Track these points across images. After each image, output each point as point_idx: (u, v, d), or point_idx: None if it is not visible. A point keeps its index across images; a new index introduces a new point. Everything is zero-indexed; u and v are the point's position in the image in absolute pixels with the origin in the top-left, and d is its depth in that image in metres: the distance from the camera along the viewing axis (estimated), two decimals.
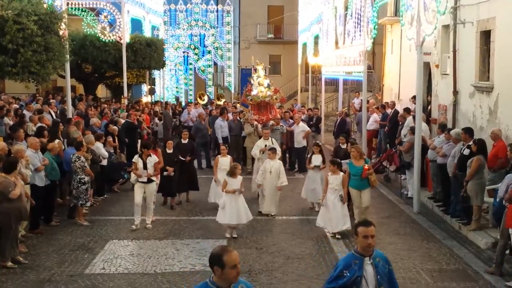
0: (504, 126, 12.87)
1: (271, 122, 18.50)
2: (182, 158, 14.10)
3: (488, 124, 13.89)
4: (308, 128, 19.04)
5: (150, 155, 12.23)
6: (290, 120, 19.47)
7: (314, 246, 11.04)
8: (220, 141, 19.13)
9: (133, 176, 12.41)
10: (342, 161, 12.40)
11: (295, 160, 18.96)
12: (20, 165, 10.46)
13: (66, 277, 9.37)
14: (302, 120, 19.54)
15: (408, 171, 15.07)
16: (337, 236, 11.40)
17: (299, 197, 14.09)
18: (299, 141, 18.52)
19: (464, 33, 15.48)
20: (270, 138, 15.23)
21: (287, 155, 19.22)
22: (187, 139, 14.73)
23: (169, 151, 13.81)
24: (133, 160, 12.37)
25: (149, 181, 12.12)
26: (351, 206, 12.26)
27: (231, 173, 11.62)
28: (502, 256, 9.41)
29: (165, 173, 13.41)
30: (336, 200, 11.47)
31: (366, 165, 11.90)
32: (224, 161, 13.16)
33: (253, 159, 16.09)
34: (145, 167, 12.04)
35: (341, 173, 11.72)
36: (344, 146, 14.06)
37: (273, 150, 13.52)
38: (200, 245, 11.03)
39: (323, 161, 13.61)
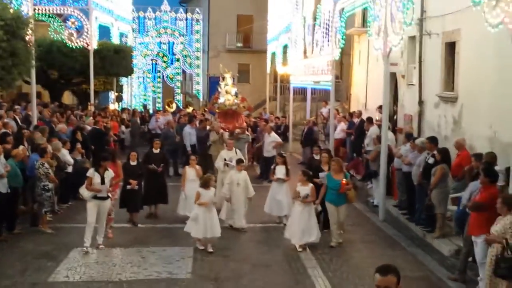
0: (468, 136, 13.12)
1: (237, 130, 18.52)
2: (154, 168, 13.45)
3: (453, 134, 14.14)
4: (280, 140, 19.06)
5: (107, 169, 11.15)
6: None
7: (281, 254, 11.04)
8: (189, 148, 19.08)
9: (86, 193, 10.98)
10: (320, 173, 12.15)
11: (264, 168, 18.91)
12: None
13: (28, 285, 9.19)
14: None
15: (374, 180, 15.22)
16: (306, 249, 11.04)
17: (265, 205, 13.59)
18: (269, 150, 18.55)
19: (430, 44, 15.78)
20: (234, 148, 14.68)
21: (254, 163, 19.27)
22: (158, 149, 14.01)
23: (133, 163, 12.98)
24: (88, 174, 11.04)
25: (106, 197, 11.12)
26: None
27: (204, 184, 11.20)
28: (465, 263, 9.56)
29: (128, 186, 12.66)
30: (304, 211, 11.14)
31: (345, 179, 11.46)
32: (192, 172, 12.87)
33: None
34: (102, 182, 10.93)
35: (310, 184, 11.35)
36: (318, 157, 13.50)
37: (240, 161, 13.07)
38: (166, 253, 10.93)
39: (287, 173, 13.15)
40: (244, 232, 12.57)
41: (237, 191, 12.62)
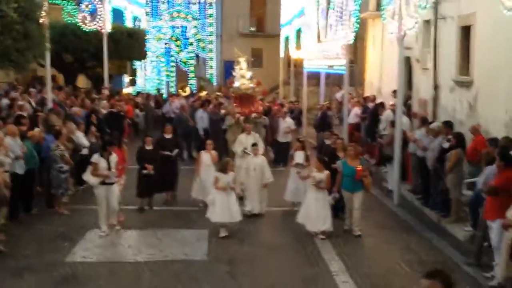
0: (483, 121, 13.04)
1: (254, 115, 18.35)
2: (168, 153, 13.21)
3: (468, 119, 14.06)
4: (294, 127, 18.72)
5: (111, 154, 11.01)
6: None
7: (295, 237, 11.07)
8: (201, 132, 19.05)
9: (92, 179, 10.90)
10: (338, 162, 11.71)
11: (278, 153, 18.76)
12: None
13: (45, 265, 9.33)
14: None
15: (389, 164, 15.18)
16: (320, 236, 10.85)
17: (281, 189, 13.42)
18: (284, 136, 18.39)
19: (445, 28, 15.63)
20: (252, 132, 14.47)
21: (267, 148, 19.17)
22: (171, 134, 13.75)
23: (148, 147, 12.83)
24: (93, 159, 10.92)
25: (113, 182, 11.00)
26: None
27: (223, 168, 11.12)
28: (480, 247, 9.55)
29: (144, 171, 12.56)
30: (319, 198, 10.95)
31: (360, 166, 11.22)
32: (207, 157, 12.70)
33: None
34: (109, 167, 10.82)
35: (326, 171, 11.10)
36: (328, 142, 13.25)
37: (255, 146, 12.93)
38: (182, 235, 11.02)
39: (306, 158, 12.84)
40: (260, 216, 12.44)
41: (253, 176, 12.48)
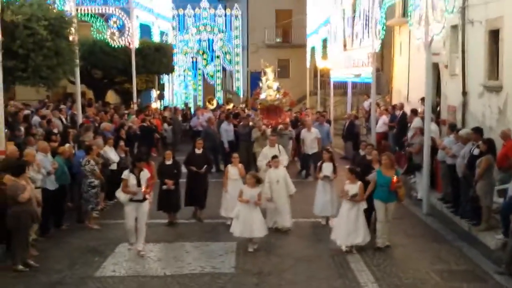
0: None
1: (280, 126, 18.07)
2: (195, 170, 12.91)
3: (498, 124, 13.84)
4: (320, 136, 18.07)
5: (142, 170, 10.83)
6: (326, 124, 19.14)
7: (323, 249, 10.99)
8: (226, 145, 18.99)
9: (123, 196, 10.68)
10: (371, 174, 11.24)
11: (308, 166, 18.27)
12: (30, 168, 10.58)
13: (76, 279, 9.45)
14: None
15: (418, 173, 15.01)
16: (353, 251, 10.53)
17: (308, 200, 13.35)
18: (313, 147, 17.70)
19: (473, 32, 15.46)
20: (276, 145, 14.16)
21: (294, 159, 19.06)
22: (201, 149, 13.36)
23: (168, 162, 12.59)
24: (123, 176, 10.76)
25: (143, 199, 10.74)
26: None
27: (248, 182, 11.00)
28: None
29: (164, 186, 12.41)
30: (353, 211, 10.57)
31: (396, 177, 10.84)
32: (234, 171, 12.42)
33: None
34: (138, 184, 10.60)
35: (359, 182, 10.75)
36: (363, 153, 12.76)
37: (276, 158, 12.59)
38: (210, 248, 11.05)
39: (334, 170, 12.60)
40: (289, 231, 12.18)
41: (277, 189, 12.13)
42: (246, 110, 24.16)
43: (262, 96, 19.39)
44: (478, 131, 12.33)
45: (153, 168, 12.13)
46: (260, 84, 19.75)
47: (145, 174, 10.78)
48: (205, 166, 13.19)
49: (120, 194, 10.82)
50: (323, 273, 9.69)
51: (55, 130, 15.35)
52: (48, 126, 15.85)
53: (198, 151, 13.29)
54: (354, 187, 10.70)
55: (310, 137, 17.86)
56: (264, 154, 13.92)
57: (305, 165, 18.50)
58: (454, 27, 16.53)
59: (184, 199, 13.03)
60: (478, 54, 15.09)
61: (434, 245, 11.16)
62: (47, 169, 11.51)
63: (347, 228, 10.57)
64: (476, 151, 11.76)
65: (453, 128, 14.04)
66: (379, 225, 11.00)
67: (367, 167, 11.77)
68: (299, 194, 12.92)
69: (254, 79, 28.34)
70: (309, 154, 17.93)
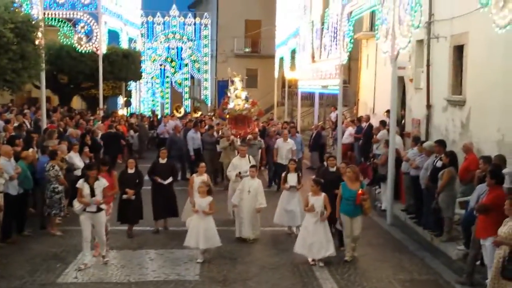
0: (476, 139, 13.09)
1: (249, 136, 17.90)
2: (160, 181, 12.64)
3: (460, 138, 14.12)
4: (295, 147, 17.80)
5: (98, 179, 10.28)
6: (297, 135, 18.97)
7: (288, 257, 11.01)
8: (191, 153, 18.81)
9: (77, 205, 10.19)
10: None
11: (276, 176, 17.96)
12: None
13: (38, 286, 9.30)
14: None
15: (382, 184, 15.21)
16: (319, 264, 10.36)
17: (274, 209, 12.90)
18: (288, 158, 16.64)
19: (438, 47, 15.77)
20: (247, 155, 13.94)
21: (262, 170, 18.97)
22: (166, 159, 13.04)
23: (131, 171, 12.15)
24: (77, 185, 10.25)
25: (98, 210, 10.19)
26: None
27: (199, 191, 10.74)
28: (473, 266, 9.53)
29: (124, 196, 12.03)
30: (318, 223, 10.39)
31: (361, 189, 10.71)
32: (200, 180, 11.72)
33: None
34: (93, 193, 10.11)
35: (323, 194, 10.57)
36: (333, 169, 12.17)
37: (254, 167, 12.53)
38: (174, 255, 10.99)
39: (299, 180, 12.57)
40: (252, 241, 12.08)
41: (246, 199, 12.00)
42: (214, 119, 24.11)
43: (230, 105, 19.32)
44: (441, 143, 12.56)
45: (114, 177, 11.56)
46: (228, 93, 19.66)
47: (101, 183, 10.25)
48: (170, 178, 12.85)
49: (75, 203, 10.37)
50: (287, 281, 9.72)
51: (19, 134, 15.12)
52: (19, 130, 15.61)
53: (162, 160, 12.99)
54: (318, 199, 10.52)
55: (286, 148, 17.62)
56: (234, 164, 13.73)
57: (276, 175, 18.20)
58: (420, 41, 16.84)
59: (152, 212, 12.73)
60: (443, 69, 15.40)
61: (397, 255, 11.31)
62: (9, 174, 11.31)
63: (317, 241, 10.36)
64: (439, 163, 11.98)
65: (417, 140, 14.30)
66: (346, 240, 10.87)
67: (336, 179, 11.51)
68: (267, 203, 12.67)
69: (222, 88, 28.41)
70: (282, 164, 17.22)
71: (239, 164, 13.59)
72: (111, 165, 12.06)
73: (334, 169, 12.19)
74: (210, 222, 10.68)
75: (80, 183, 10.21)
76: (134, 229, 12.49)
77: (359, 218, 10.80)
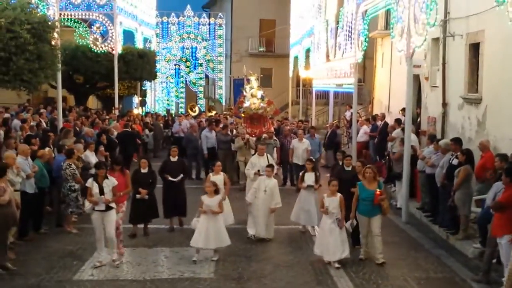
0: (492, 137, 13.00)
1: (264, 135, 17.82)
2: (171, 179, 12.66)
3: (477, 135, 14.03)
4: (311, 147, 17.70)
5: (107, 177, 10.25)
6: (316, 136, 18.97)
7: (303, 255, 11.05)
8: (205, 151, 18.85)
9: (86, 204, 10.34)
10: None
11: (293, 176, 18.11)
12: (10, 171, 10.49)
13: (54, 283, 9.38)
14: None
15: (397, 182, 15.15)
16: (336, 265, 10.19)
17: (290, 208, 13.01)
18: (304, 158, 16.88)
19: (454, 45, 15.67)
20: (265, 154, 13.89)
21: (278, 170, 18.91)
22: (177, 157, 13.01)
23: (144, 170, 12.13)
24: (87, 184, 10.29)
25: (108, 208, 10.13)
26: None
27: (207, 191, 10.62)
28: (489, 264, 9.47)
29: (138, 196, 11.99)
30: (334, 224, 10.30)
31: (379, 189, 10.53)
32: (217, 179, 11.65)
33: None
34: (102, 192, 10.08)
35: (339, 195, 10.46)
36: (349, 168, 12.15)
37: (271, 167, 12.40)
38: (189, 253, 10.96)
39: (316, 180, 12.54)
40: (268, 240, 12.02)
41: (262, 198, 11.93)
42: (229, 118, 24.10)
43: (246, 104, 19.28)
44: (457, 141, 12.49)
45: (127, 176, 11.45)
46: (244, 92, 19.62)
47: (110, 182, 10.22)
48: (181, 175, 12.82)
49: (86, 202, 10.48)
50: (302, 279, 9.73)
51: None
52: (37, 130, 15.75)
53: (173, 158, 12.96)
54: (333, 200, 10.41)
55: (302, 148, 17.59)
56: (253, 163, 13.72)
57: (289, 174, 18.38)
58: (436, 40, 16.75)
59: (163, 210, 12.72)
60: (459, 67, 15.30)
61: (413, 253, 11.27)
62: (26, 172, 11.42)
63: (333, 242, 10.28)
64: (455, 161, 11.92)
65: (432, 138, 14.24)
66: (363, 240, 10.78)
67: (351, 178, 11.51)
68: (282, 201, 12.66)
69: (237, 86, 28.41)
70: (298, 165, 17.37)
71: (258, 162, 13.59)
72: (123, 164, 12.09)
73: (349, 168, 12.17)
74: (219, 221, 10.64)
75: (89, 182, 10.25)
76: (149, 227, 12.52)
77: (378, 218, 10.60)
